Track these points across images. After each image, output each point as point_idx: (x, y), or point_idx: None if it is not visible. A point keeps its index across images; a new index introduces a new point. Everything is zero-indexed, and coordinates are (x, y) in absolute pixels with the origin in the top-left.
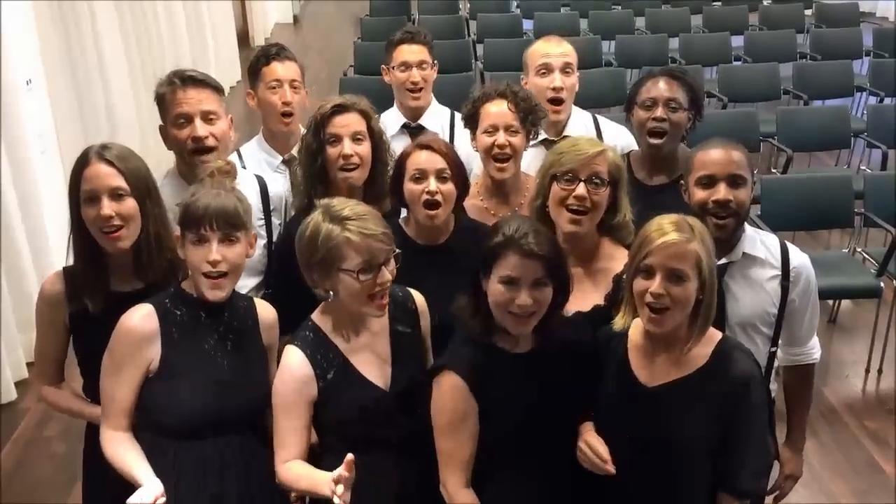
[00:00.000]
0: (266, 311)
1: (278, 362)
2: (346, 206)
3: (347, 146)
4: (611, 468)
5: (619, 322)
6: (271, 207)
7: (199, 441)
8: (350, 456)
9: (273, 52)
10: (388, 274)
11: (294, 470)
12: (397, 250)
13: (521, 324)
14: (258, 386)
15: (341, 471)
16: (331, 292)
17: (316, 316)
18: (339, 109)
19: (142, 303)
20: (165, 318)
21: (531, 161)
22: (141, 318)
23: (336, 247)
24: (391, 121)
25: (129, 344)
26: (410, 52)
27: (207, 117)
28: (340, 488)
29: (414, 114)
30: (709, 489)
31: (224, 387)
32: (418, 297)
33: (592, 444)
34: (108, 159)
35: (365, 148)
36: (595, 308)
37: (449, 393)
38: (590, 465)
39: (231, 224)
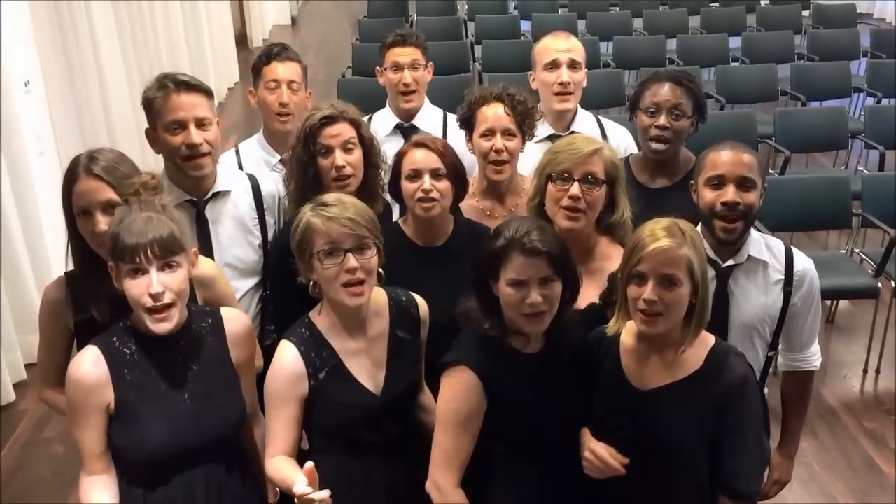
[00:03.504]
0: (236, 325)
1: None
2: (333, 196)
3: (339, 157)
4: (620, 469)
5: (612, 327)
6: (264, 206)
7: (167, 484)
8: (310, 464)
9: (275, 52)
10: (353, 261)
11: (275, 466)
12: (374, 240)
13: (535, 322)
14: (226, 410)
15: (304, 488)
16: (311, 283)
17: (314, 314)
18: (329, 121)
19: (88, 345)
20: (115, 360)
21: (538, 158)
22: (88, 365)
23: (305, 231)
24: (384, 121)
25: (81, 393)
26: (402, 54)
27: (201, 123)
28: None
29: (407, 114)
30: (703, 492)
31: (185, 421)
32: (422, 305)
33: (597, 452)
34: (95, 173)
35: (356, 156)
36: (590, 306)
37: (462, 387)
38: (597, 473)
39: (169, 251)
